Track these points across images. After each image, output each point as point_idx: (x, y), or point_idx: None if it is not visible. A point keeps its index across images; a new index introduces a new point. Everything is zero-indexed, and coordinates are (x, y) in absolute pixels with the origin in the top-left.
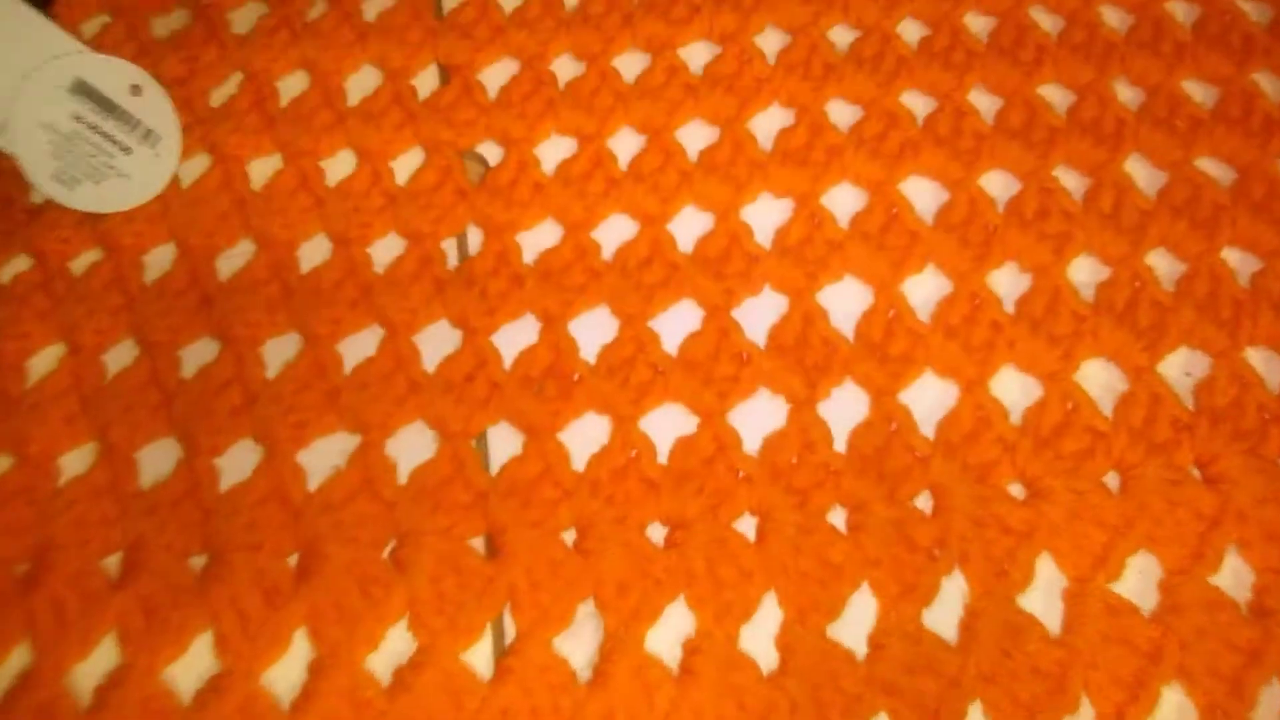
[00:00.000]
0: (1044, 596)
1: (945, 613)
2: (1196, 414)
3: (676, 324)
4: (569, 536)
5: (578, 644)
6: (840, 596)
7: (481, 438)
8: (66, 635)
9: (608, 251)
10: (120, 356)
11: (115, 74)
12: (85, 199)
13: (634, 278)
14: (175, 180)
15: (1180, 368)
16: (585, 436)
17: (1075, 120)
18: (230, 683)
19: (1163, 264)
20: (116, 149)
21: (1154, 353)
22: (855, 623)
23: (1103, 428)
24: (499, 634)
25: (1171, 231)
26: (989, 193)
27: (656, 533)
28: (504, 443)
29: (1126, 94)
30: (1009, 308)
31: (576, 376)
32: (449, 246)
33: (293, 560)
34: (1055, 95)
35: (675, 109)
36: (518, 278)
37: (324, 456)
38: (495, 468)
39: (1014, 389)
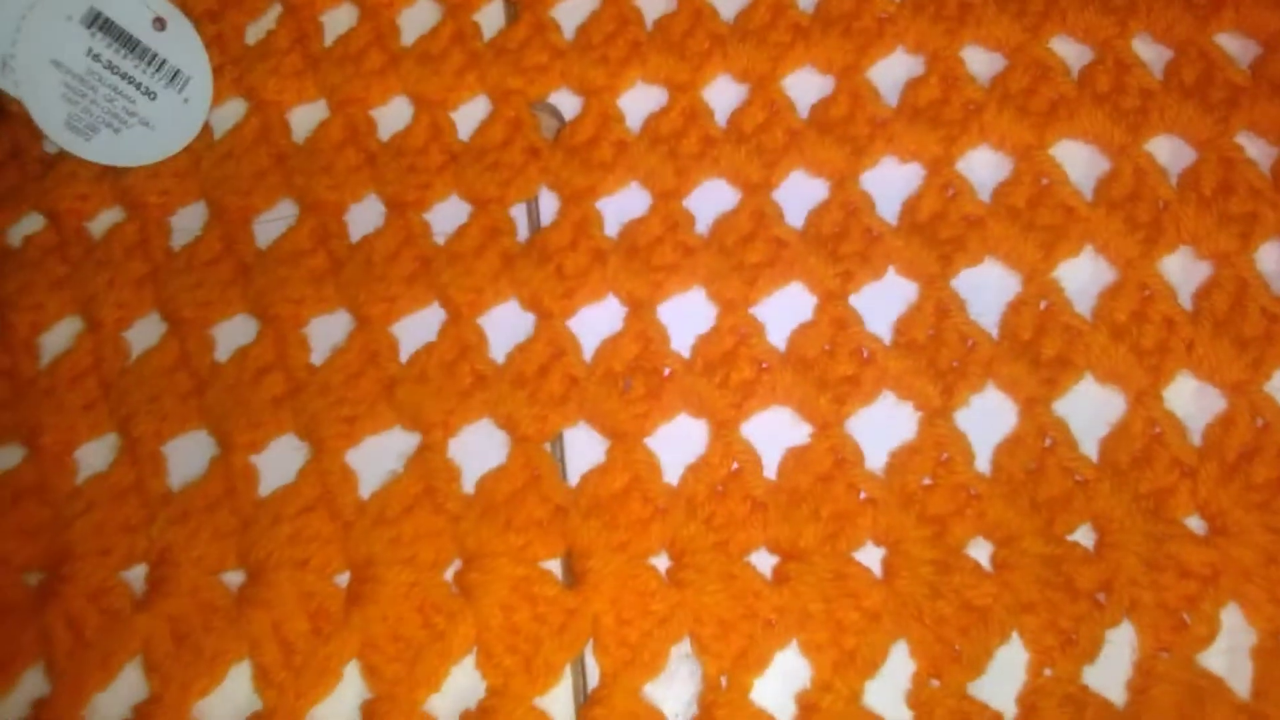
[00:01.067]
0: (1230, 654)
1: (1111, 671)
2: None
3: (785, 312)
4: (661, 563)
5: (672, 692)
6: (984, 648)
7: (558, 442)
8: (85, 659)
9: (703, 224)
10: (145, 334)
11: (136, 4)
12: (104, 150)
13: (734, 256)
14: (206, 130)
15: None
16: (678, 444)
17: (1261, 76)
18: None
19: None
20: (138, 92)
21: None
22: (1002, 679)
23: None
24: (580, 677)
25: None
26: (1158, 162)
27: (763, 562)
28: (584, 448)
29: None
30: (1185, 303)
31: (667, 371)
32: (519, 213)
33: (343, 580)
34: (1236, 46)
35: (782, 54)
36: (598, 253)
37: (378, 458)
38: (574, 477)
39: (1193, 401)
